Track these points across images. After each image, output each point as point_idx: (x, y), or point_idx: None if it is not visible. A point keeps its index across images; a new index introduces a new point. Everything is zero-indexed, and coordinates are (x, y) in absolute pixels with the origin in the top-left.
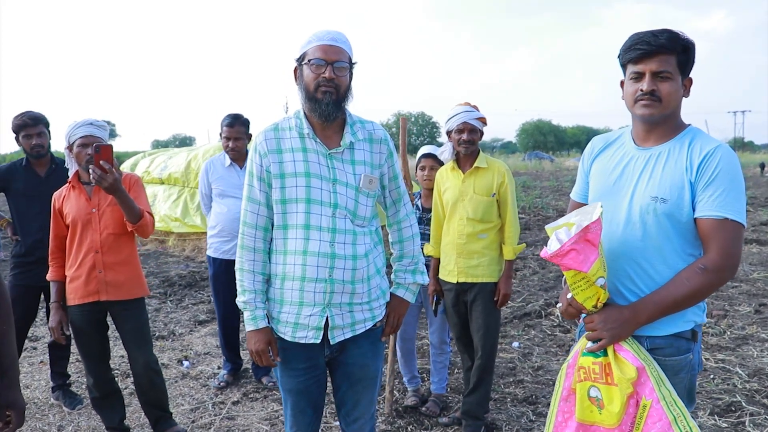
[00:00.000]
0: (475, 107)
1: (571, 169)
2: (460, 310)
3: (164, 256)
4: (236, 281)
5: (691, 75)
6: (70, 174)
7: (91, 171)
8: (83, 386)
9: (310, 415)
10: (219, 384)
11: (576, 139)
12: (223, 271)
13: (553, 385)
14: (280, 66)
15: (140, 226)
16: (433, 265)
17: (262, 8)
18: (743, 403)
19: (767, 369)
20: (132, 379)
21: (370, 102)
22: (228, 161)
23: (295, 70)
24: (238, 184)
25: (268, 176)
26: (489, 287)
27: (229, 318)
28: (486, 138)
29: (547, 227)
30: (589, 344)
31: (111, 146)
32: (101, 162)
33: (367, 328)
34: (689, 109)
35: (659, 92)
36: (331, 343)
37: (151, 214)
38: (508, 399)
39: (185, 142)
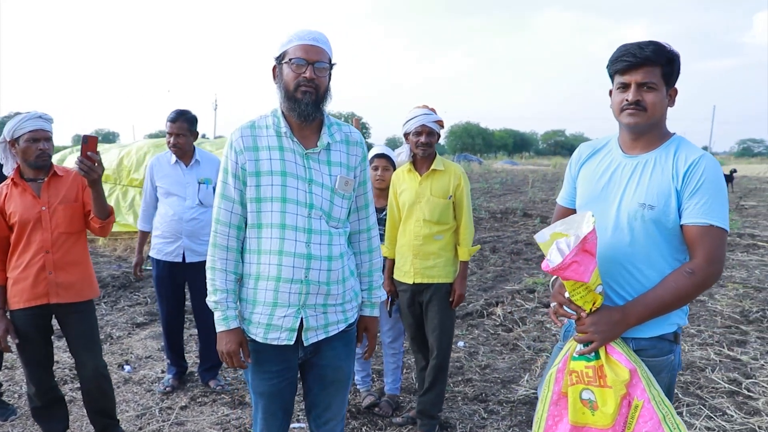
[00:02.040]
0: (432, 110)
1: (499, 171)
2: (415, 310)
3: (95, 256)
4: (207, 280)
5: (676, 86)
6: (6, 170)
7: (78, 162)
8: (15, 395)
9: (281, 418)
10: (164, 389)
11: (503, 142)
12: (167, 273)
13: (501, 383)
14: (210, 62)
15: (108, 223)
16: (387, 266)
17: (189, 3)
18: (679, 395)
19: (698, 362)
20: (70, 385)
21: None
22: (173, 159)
23: (274, 68)
24: (182, 182)
25: (243, 174)
26: (444, 288)
27: (173, 320)
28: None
29: (537, 238)
30: (579, 347)
31: (97, 137)
32: (89, 153)
33: (341, 329)
34: (612, 115)
35: (644, 102)
36: (305, 344)
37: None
38: (459, 397)
39: (108, 137)
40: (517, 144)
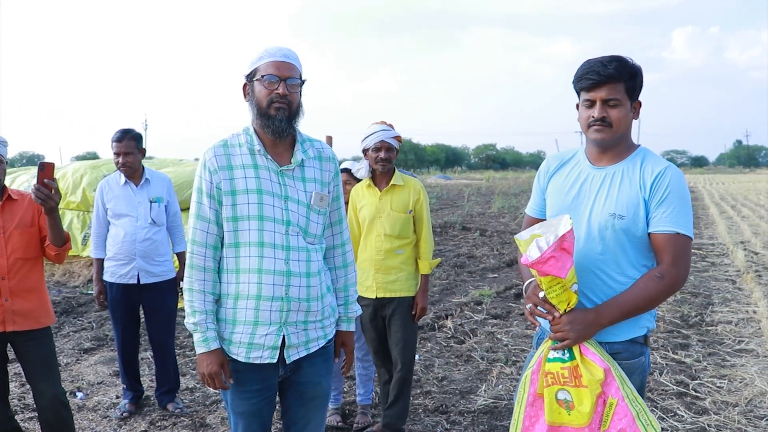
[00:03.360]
0: (390, 126)
1: (433, 186)
2: (378, 325)
3: None
4: (185, 302)
5: (640, 98)
6: None
7: (34, 189)
8: None
9: None
10: (121, 414)
11: (435, 157)
12: (121, 296)
13: (460, 394)
14: (139, 82)
15: (64, 250)
16: None
17: (119, 19)
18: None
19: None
20: (20, 416)
21: (231, 120)
22: (123, 179)
23: (245, 86)
24: (133, 202)
25: (219, 193)
26: (407, 301)
27: (128, 344)
28: (347, 155)
29: (516, 237)
30: (552, 344)
31: (53, 164)
32: (46, 180)
33: (320, 346)
34: (541, 129)
35: (609, 118)
36: (287, 362)
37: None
38: (420, 410)
39: (33, 160)
40: (449, 159)
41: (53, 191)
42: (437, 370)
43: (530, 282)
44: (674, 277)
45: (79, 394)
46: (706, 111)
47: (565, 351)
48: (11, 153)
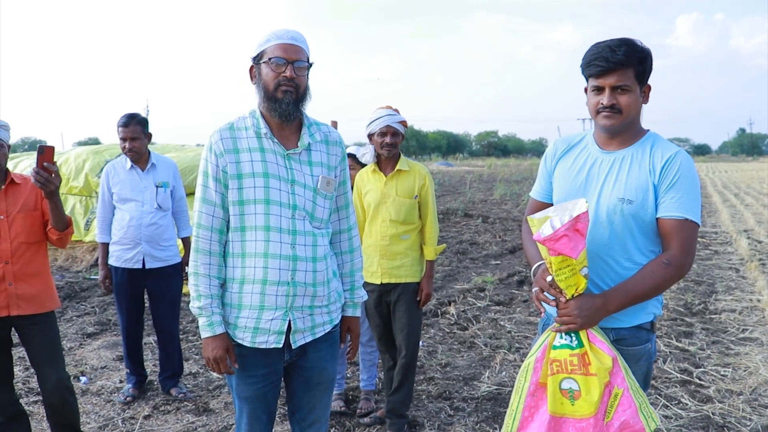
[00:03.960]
0: (396, 111)
1: (435, 172)
2: (383, 310)
3: None
4: (190, 286)
5: (649, 82)
6: None
7: (33, 173)
8: None
9: (265, 422)
10: (125, 399)
11: (437, 144)
12: (126, 280)
13: (463, 380)
14: (141, 67)
15: (66, 234)
16: None
17: (119, 5)
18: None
19: None
20: (25, 399)
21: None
22: (129, 164)
23: (251, 69)
24: (139, 187)
25: (225, 177)
26: (412, 287)
27: (133, 329)
28: (348, 142)
29: (530, 217)
30: (558, 336)
31: (53, 147)
32: (45, 164)
33: (326, 331)
34: (543, 116)
35: (619, 105)
36: (293, 347)
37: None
38: (424, 396)
39: (35, 145)
40: (451, 145)
41: (53, 175)
42: (440, 356)
43: (539, 265)
44: (681, 264)
45: (83, 379)
46: (709, 99)
47: (573, 338)
48: (13, 138)
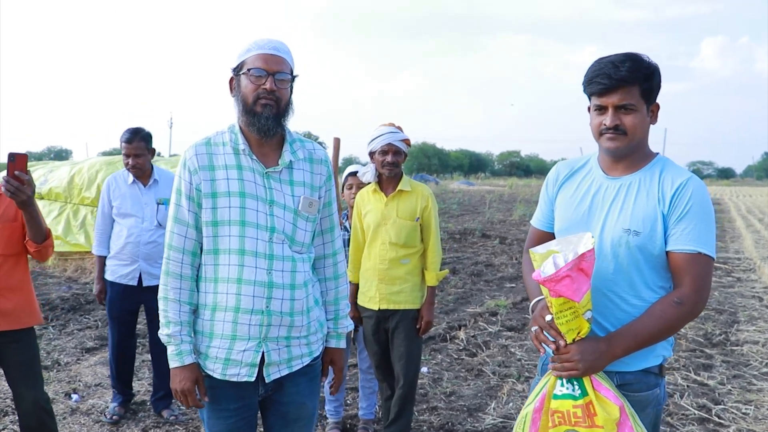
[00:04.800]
0: (399, 128)
1: (456, 191)
2: (381, 338)
3: (43, 277)
4: (159, 311)
5: (658, 100)
6: None
7: (4, 182)
8: None
9: None
10: (111, 418)
11: (459, 163)
12: (120, 296)
13: (468, 411)
14: (165, 80)
15: (45, 247)
16: (351, 291)
17: (146, 18)
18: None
19: (666, 388)
20: (11, 417)
21: None
22: (131, 178)
23: (231, 80)
24: (140, 203)
25: (198, 195)
26: (411, 314)
27: (122, 346)
28: (367, 158)
29: (532, 251)
30: (559, 382)
31: (26, 155)
32: (17, 172)
33: (305, 364)
34: (565, 137)
35: (623, 126)
36: (267, 380)
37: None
38: (425, 427)
39: (61, 155)
40: (473, 164)
41: (25, 184)
42: (446, 384)
43: (538, 300)
44: (694, 302)
45: (75, 396)
46: (734, 122)
47: (576, 386)
48: (39, 146)
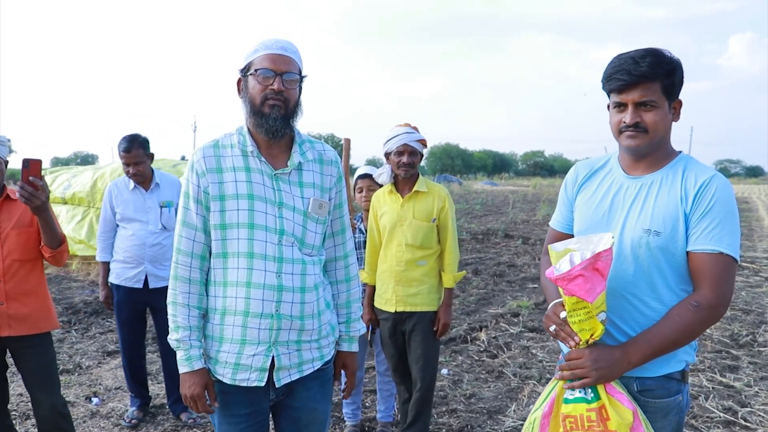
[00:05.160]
0: (415, 128)
1: (479, 192)
2: (398, 340)
3: (67, 281)
4: (168, 316)
5: (681, 97)
6: None
7: (18, 188)
8: None
9: None
10: (130, 422)
11: (483, 163)
12: (127, 298)
13: (488, 414)
14: (189, 84)
15: (60, 252)
16: (368, 293)
17: (170, 23)
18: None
19: (691, 390)
20: (32, 421)
21: None
22: (132, 184)
23: (239, 81)
24: (143, 208)
25: (206, 198)
26: (428, 316)
27: (133, 348)
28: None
29: (551, 247)
30: (568, 384)
31: (40, 161)
32: (31, 178)
33: (316, 368)
34: (590, 137)
35: (644, 123)
36: (277, 385)
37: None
38: (444, 430)
39: (87, 160)
40: (496, 165)
41: (39, 190)
42: (466, 386)
43: (556, 302)
44: (714, 305)
45: (95, 400)
46: (762, 119)
47: (589, 390)
48: (66, 152)
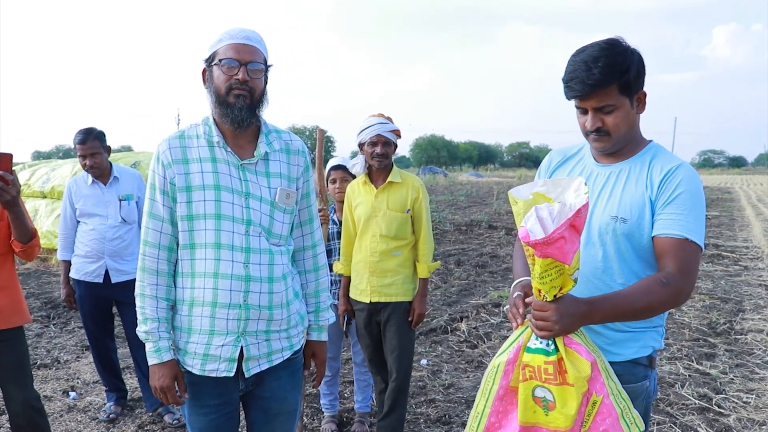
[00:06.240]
0: (389, 119)
1: (464, 183)
2: (373, 330)
3: (47, 276)
4: (136, 308)
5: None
6: None
7: None
8: None
9: None
10: (107, 416)
11: (468, 155)
12: (88, 294)
13: (466, 403)
14: (172, 76)
15: (30, 247)
16: (343, 283)
17: (153, 15)
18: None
19: (667, 377)
20: (7, 416)
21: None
22: (90, 179)
23: (204, 71)
24: (102, 202)
25: (173, 189)
26: (403, 306)
27: (101, 342)
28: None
29: (511, 193)
30: (534, 337)
31: (11, 155)
32: (1, 172)
33: (285, 358)
34: (575, 128)
35: (606, 127)
36: (246, 375)
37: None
38: (421, 420)
39: (69, 153)
40: (482, 156)
41: (9, 184)
42: (445, 376)
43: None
44: (680, 288)
45: (72, 394)
46: (746, 110)
47: (550, 342)
48: (48, 146)
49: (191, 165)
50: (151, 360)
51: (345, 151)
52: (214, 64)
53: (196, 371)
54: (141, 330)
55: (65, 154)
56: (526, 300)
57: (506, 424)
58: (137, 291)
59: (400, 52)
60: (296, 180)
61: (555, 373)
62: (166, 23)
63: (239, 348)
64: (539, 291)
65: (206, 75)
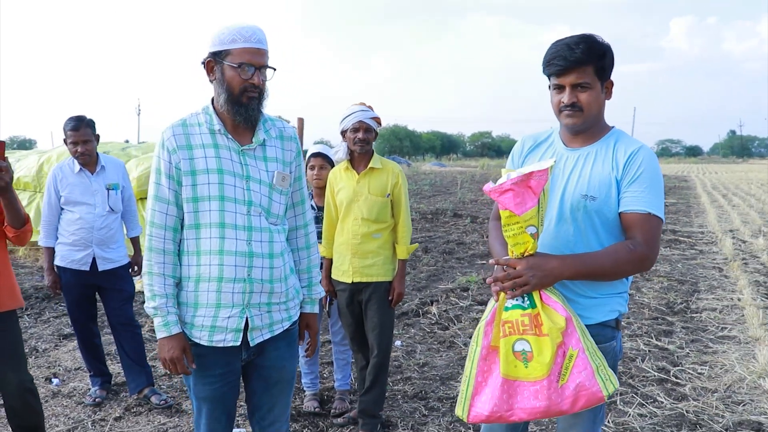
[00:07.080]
0: (370, 107)
1: (428, 173)
2: (355, 310)
3: (15, 268)
4: (144, 286)
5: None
6: None
7: None
8: None
9: (224, 423)
10: (93, 401)
11: (431, 144)
12: (75, 281)
13: (440, 380)
14: (132, 66)
15: (24, 232)
16: (325, 265)
17: (114, 4)
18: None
19: (629, 353)
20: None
21: None
22: (77, 167)
23: (210, 63)
24: (89, 191)
25: (178, 173)
26: (384, 286)
27: (86, 328)
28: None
29: (504, 170)
30: (510, 294)
31: (4, 142)
32: None
33: (285, 328)
34: (537, 116)
35: (580, 103)
36: (251, 345)
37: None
38: (399, 396)
39: (25, 144)
40: (444, 146)
41: (3, 171)
42: (419, 356)
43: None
44: (645, 254)
45: (55, 381)
46: (701, 101)
47: (525, 298)
48: (2, 136)
49: (195, 150)
50: (160, 334)
51: (309, 140)
52: (228, 63)
53: (204, 342)
54: (150, 306)
55: (20, 145)
56: (502, 259)
57: (491, 381)
58: (145, 269)
59: (360, 43)
60: (290, 164)
61: (531, 325)
62: (122, 11)
63: (244, 319)
64: (511, 251)
65: (214, 68)
